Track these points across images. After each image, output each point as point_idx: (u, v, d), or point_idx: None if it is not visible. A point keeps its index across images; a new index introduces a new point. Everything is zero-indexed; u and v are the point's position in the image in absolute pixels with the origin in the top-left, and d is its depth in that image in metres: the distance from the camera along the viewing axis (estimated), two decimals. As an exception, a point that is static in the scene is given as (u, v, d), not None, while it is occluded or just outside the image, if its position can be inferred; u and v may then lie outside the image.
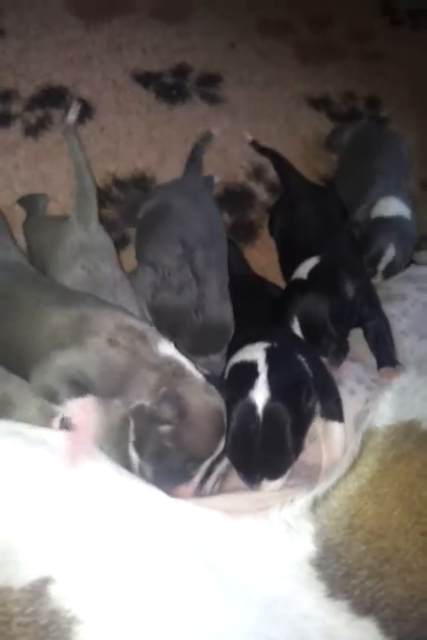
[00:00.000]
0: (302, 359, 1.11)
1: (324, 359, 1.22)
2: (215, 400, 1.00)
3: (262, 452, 1.00)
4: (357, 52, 2.37)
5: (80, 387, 0.98)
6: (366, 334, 1.29)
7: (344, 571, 0.84)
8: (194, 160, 1.77)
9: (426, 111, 2.15)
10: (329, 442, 1.12)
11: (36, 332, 1.05)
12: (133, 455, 1.01)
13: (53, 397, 0.99)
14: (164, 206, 1.45)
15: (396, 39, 2.48)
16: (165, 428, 0.97)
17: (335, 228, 1.51)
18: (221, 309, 1.28)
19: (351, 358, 1.26)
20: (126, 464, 1.00)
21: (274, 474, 1.02)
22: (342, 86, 2.21)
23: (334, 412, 1.13)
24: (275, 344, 1.11)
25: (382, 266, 1.43)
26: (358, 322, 1.30)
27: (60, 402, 0.98)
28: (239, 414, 1.02)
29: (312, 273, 1.32)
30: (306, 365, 1.10)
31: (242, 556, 0.86)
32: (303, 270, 1.34)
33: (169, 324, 1.23)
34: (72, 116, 1.67)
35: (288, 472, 1.03)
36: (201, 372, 1.06)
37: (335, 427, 1.12)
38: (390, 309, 1.31)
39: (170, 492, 0.95)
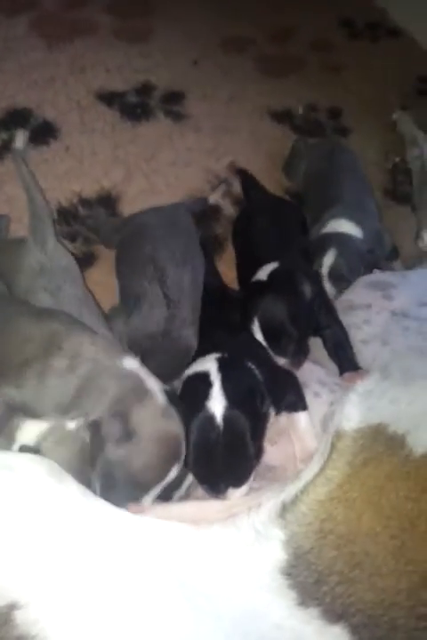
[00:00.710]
0: (252, 365, 1.12)
1: (285, 360, 1.23)
2: (171, 425, 0.99)
3: (225, 460, 1.00)
4: (317, 65, 2.41)
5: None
6: (324, 343, 1.29)
7: (315, 577, 0.83)
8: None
9: (387, 121, 2.18)
10: (298, 432, 1.13)
11: (6, 345, 1.05)
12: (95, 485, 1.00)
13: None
14: (137, 229, 1.45)
15: (355, 51, 2.53)
16: (113, 449, 0.96)
17: (293, 239, 1.53)
18: (188, 333, 1.27)
19: (313, 361, 1.27)
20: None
21: (238, 481, 1.02)
22: (304, 98, 2.23)
23: (296, 403, 1.15)
24: (225, 354, 1.12)
25: (324, 269, 1.46)
26: (315, 330, 1.30)
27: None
28: (199, 426, 1.02)
29: (271, 275, 1.34)
30: (256, 371, 1.11)
31: (211, 569, 0.85)
32: (263, 273, 1.35)
33: (138, 348, 1.22)
34: (19, 143, 1.70)
35: (252, 477, 1.04)
36: (166, 390, 1.06)
37: (300, 416, 1.14)
38: (352, 319, 1.32)
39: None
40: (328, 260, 1.47)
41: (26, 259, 1.30)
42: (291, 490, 0.93)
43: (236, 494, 1.02)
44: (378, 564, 0.85)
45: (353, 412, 1.01)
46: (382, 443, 0.97)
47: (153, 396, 1.00)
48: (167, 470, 0.99)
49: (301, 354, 1.25)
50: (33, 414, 1.01)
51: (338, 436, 0.99)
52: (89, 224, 1.68)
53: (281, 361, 1.24)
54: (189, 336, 1.28)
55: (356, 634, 0.80)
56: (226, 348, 1.15)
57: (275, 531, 0.88)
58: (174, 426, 1.00)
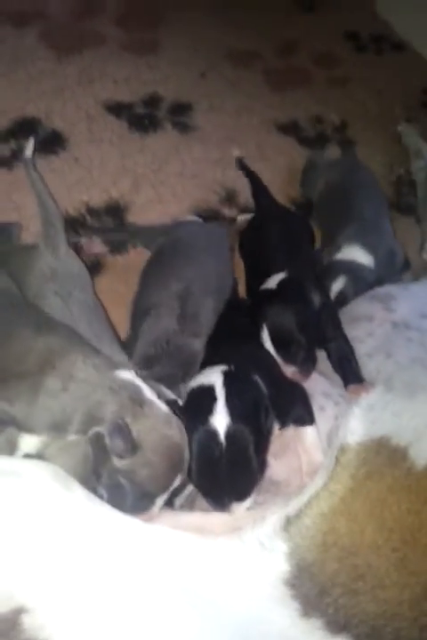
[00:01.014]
0: (258, 378, 1.12)
1: (294, 369, 1.23)
2: (173, 433, 0.99)
3: (228, 475, 1.01)
4: (323, 78, 2.43)
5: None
6: (329, 356, 1.30)
7: (318, 589, 0.84)
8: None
9: (391, 133, 2.20)
10: (305, 446, 1.14)
11: (6, 354, 1.06)
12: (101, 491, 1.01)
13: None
14: (175, 242, 1.48)
15: (361, 64, 2.54)
16: (118, 461, 0.96)
17: (301, 250, 1.54)
18: (193, 341, 1.28)
19: (318, 372, 1.28)
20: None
21: (242, 495, 1.02)
22: (311, 111, 2.25)
23: (303, 417, 1.15)
24: (232, 366, 1.12)
25: (332, 295, 1.46)
26: (320, 342, 1.31)
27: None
28: (202, 441, 1.02)
29: (281, 284, 1.35)
30: (261, 384, 1.11)
31: (216, 578, 0.86)
32: (272, 282, 1.36)
33: (143, 357, 1.24)
34: (28, 151, 1.70)
35: (255, 491, 1.04)
36: (166, 396, 1.07)
37: (307, 431, 1.14)
38: (354, 332, 1.32)
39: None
40: (337, 286, 1.47)
41: (37, 263, 1.32)
42: (295, 504, 0.94)
43: (239, 508, 1.02)
44: (381, 575, 0.86)
45: (356, 426, 1.01)
46: (384, 456, 0.97)
47: (152, 406, 1.00)
48: (172, 479, 0.99)
49: (309, 362, 1.25)
50: (25, 430, 1.02)
51: (342, 450, 1.00)
52: (105, 235, 1.70)
53: (290, 369, 1.24)
54: (194, 343, 1.29)
55: (359, 644, 0.81)
56: (232, 359, 1.15)
57: (278, 543, 0.89)
58: (176, 435, 1.00)
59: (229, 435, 1.01)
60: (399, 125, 2.21)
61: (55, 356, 1.03)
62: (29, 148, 1.71)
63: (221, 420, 1.02)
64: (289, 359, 1.25)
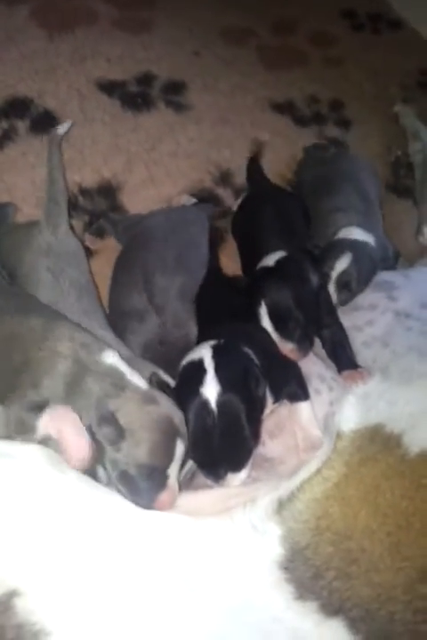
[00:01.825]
0: (249, 350, 1.12)
1: (292, 346, 1.23)
2: (157, 407, 1.00)
3: (222, 444, 1.02)
4: (319, 57, 2.40)
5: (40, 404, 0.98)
6: (323, 343, 1.29)
7: (312, 572, 0.84)
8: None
9: (389, 114, 2.18)
10: (301, 422, 1.15)
11: None
12: (101, 474, 1.01)
13: (25, 428, 0.98)
14: (137, 236, 1.47)
15: (357, 43, 2.52)
16: (113, 450, 0.97)
17: (296, 230, 1.53)
18: (183, 332, 1.28)
19: (316, 354, 1.28)
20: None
21: (237, 465, 1.03)
22: (306, 90, 2.23)
23: (297, 392, 1.15)
24: (220, 340, 1.13)
25: (334, 274, 1.41)
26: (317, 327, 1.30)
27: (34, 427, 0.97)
28: (195, 412, 1.03)
29: (279, 262, 1.34)
30: (253, 355, 1.11)
31: (210, 561, 0.86)
32: (270, 260, 1.35)
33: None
34: (61, 129, 1.72)
35: (250, 462, 1.05)
36: (151, 377, 1.07)
37: (302, 406, 1.15)
38: (354, 320, 1.32)
39: (152, 506, 0.95)
40: (341, 264, 1.41)
41: (35, 239, 1.32)
42: (287, 487, 0.94)
43: (235, 479, 1.03)
44: (375, 560, 0.86)
45: (351, 414, 1.02)
46: (378, 443, 0.98)
47: (131, 387, 1.00)
48: (172, 447, 0.99)
49: (307, 341, 1.24)
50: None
51: (337, 437, 1.01)
52: (99, 224, 1.68)
53: (288, 346, 1.23)
54: (186, 335, 1.29)
55: (353, 627, 0.81)
56: (223, 334, 1.16)
57: (272, 526, 0.89)
58: (160, 407, 1.00)
59: (220, 404, 1.02)
60: (396, 106, 2.19)
61: (39, 336, 1.03)
62: (63, 127, 1.73)
63: (211, 389, 1.03)
64: (287, 336, 1.23)
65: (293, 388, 1.16)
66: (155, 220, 1.52)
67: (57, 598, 0.79)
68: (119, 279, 1.41)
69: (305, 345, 1.24)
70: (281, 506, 0.91)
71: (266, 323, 1.25)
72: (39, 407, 0.97)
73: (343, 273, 1.41)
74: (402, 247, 1.67)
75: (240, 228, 1.66)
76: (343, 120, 2.16)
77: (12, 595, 0.78)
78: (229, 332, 1.18)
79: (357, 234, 1.50)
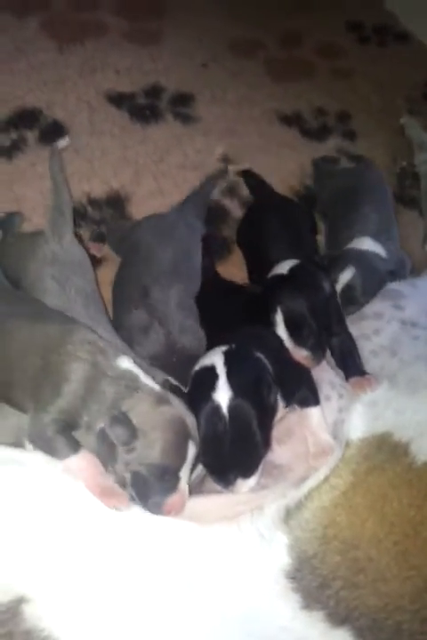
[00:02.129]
0: (261, 355, 1.12)
1: (306, 353, 1.23)
2: (170, 408, 1.00)
3: (232, 450, 1.01)
4: (326, 69, 2.42)
5: (71, 438, 0.98)
6: (332, 351, 1.29)
7: (319, 582, 0.85)
8: (200, 191, 1.79)
9: (395, 125, 2.18)
10: (311, 428, 1.14)
11: (7, 348, 1.06)
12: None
13: (51, 450, 0.97)
14: (131, 248, 1.47)
15: (364, 55, 2.53)
16: (126, 452, 0.96)
17: (303, 240, 1.53)
18: (189, 338, 1.29)
19: (327, 362, 1.28)
20: None
21: (247, 471, 1.03)
22: (313, 102, 2.24)
23: (308, 398, 1.15)
24: (233, 345, 1.13)
25: (339, 286, 1.41)
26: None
27: (59, 457, 0.97)
28: (206, 418, 1.03)
29: (293, 269, 1.34)
30: (265, 361, 1.11)
31: (217, 570, 0.86)
32: (283, 268, 1.35)
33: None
34: (62, 142, 1.78)
35: (261, 469, 1.04)
36: (164, 382, 1.08)
37: (312, 412, 1.14)
38: (362, 329, 1.32)
39: (162, 509, 0.95)
40: (345, 276, 1.42)
41: (40, 248, 1.33)
42: (294, 495, 0.94)
43: (244, 486, 1.03)
44: (382, 569, 0.86)
45: (359, 422, 1.02)
46: (386, 451, 0.98)
47: (145, 388, 1.00)
48: (183, 448, 0.98)
49: (321, 348, 1.25)
50: None
51: (345, 445, 1.01)
52: (100, 231, 1.70)
53: (303, 353, 1.23)
54: (194, 339, 1.29)
55: (360, 637, 0.82)
56: (235, 339, 1.15)
57: (279, 535, 0.90)
58: (173, 407, 1.00)
59: (231, 409, 1.02)
60: (402, 118, 2.19)
61: (56, 342, 1.03)
62: (63, 142, 1.80)
63: (223, 395, 1.03)
64: (302, 343, 1.23)
65: (304, 393, 1.16)
66: (143, 232, 1.51)
67: (65, 605, 0.79)
68: (118, 297, 1.42)
69: (319, 353, 1.24)
70: (288, 514, 0.91)
71: (281, 330, 1.25)
72: (69, 429, 0.98)
73: (347, 285, 1.41)
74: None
75: (245, 237, 1.67)
76: (350, 132, 2.17)
77: (20, 601, 0.78)
78: (241, 337, 1.18)
79: (366, 244, 1.50)
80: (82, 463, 0.96)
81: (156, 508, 0.95)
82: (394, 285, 1.43)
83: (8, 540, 0.83)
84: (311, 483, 0.96)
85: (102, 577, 0.83)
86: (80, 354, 1.02)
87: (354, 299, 1.40)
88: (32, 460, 0.94)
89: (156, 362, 1.24)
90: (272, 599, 0.84)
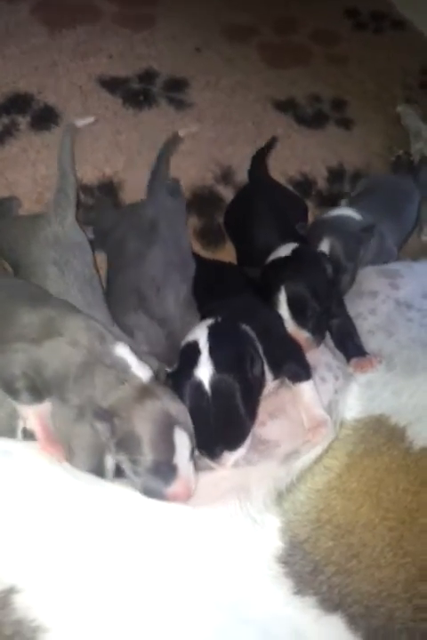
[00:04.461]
0: (247, 327, 1.12)
1: (307, 335, 1.23)
2: (152, 402, 0.98)
3: (217, 425, 1.02)
4: (322, 55, 2.39)
5: (37, 392, 0.99)
6: (331, 333, 1.29)
7: (312, 567, 0.84)
8: (159, 166, 1.76)
9: (391, 113, 2.17)
10: (304, 403, 1.13)
11: (4, 329, 1.05)
12: (109, 463, 1.01)
13: (12, 393, 0.99)
14: (118, 251, 1.44)
15: (360, 42, 2.51)
16: (115, 446, 0.97)
17: (292, 227, 1.51)
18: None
19: (324, 343, 1.27)
20: (100, 470, 1.00)
21: (234, 444, 1.04)
22: (308, 89, 2.22)
23: (299, 372, 1.14)
24: (218, 318, 1.13)
25: None
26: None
27: (19, 403, 0.99)
28: (189, 394, 1.04)
29: (295, 251, 1.34)
30: (251, 333, 1.11)
31: (208, 554, 0.85)
32: (285, 250, 1.35)
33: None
34: (80, 122, 1.77)
35: (248, 441, 1.05)
36: (159, 368, 1.08)
37: (304, 386, 1.13)
38: (358, 308, 1.31)
39: (165, 499, 0.94)
40: (324, 247, 1.40)
41: (42, 231, 1.32)
42: (285, 477, 0.93)
43: (231, 458, 1.04)
44: (376, 555, 0.85)
45: (354, 403, 1.01)
46: (382, 434, 0.98)
47: (132, 381, 1.00)
48: (170, 440, 0.97)
49: (321, 330, 1.25)
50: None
51: (339, 425, 1.01)
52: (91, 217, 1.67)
53: (304, 334, 1.23)
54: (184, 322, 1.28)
55: (353, 623, 0.81)
56: (221, 311, 1.15)
57: (271, 518, 0.89)
58: (156, 401, 0.99)
59: (213, 385, 1.02)
60: (399, 106, 2.18)
61: (58, 323, 1.04)
62: (83, 121, 1.80)
63: (204, 371, 1.03)
64: (304, 324, 1.23)
65: (294, 367, 1.15)
66: (126, 236, 1.46)
67: (55, 594, 0.79)
68: (112, 301, 1.37)
69: (320, 334, 1.24)
70: (280, 496, 0.91)
71: (283, 310, 1.25)
72: (32, 390, 0.99)
73: (330, 255, 1.39)
74: (405, 246, 1.67)
75: (232, 219, 1.66)
76: (345, 119, 2.15)
77: (10, 591, 0.78)
78: (229, 308, 1.18)
79: (337, 210, 1.51)
80: (36, 414, 0.98)
81: (158, 497, 0.94)
82: (392, 264, 1.43)
83: (-3, 531, 0.82)
84: (302, 463, 0.95)
85: (93, 566, 0.82)
86: (78, 338, 1.02)
87: (340, 266, 1.38)
88: (18, 448, 0.93)
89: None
90: (264, 584, 0.83)
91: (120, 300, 1.35)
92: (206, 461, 1.05)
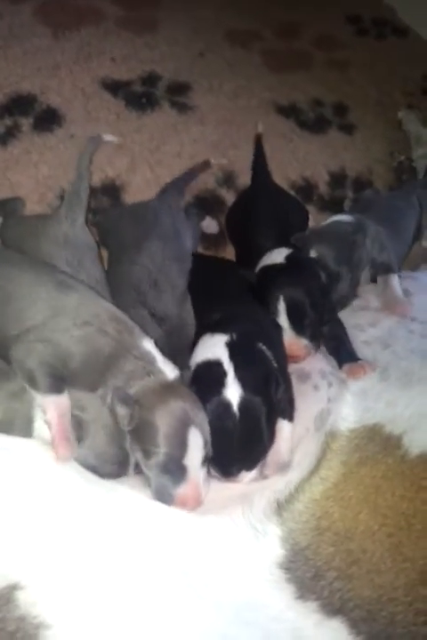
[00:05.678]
0: (264, 347, 1.11)
1: (305, 343, 1.23)
2: (174, 397, 0.99)
3: (241, 446, 1.02)
4: (324, 61, 2.40)
5: (58, 381, 0.99)
6: (323, 339, 1.28)
7: (313, 572, 0.85)
8: (179, 180, 1.77)
9: (392, 119, 2.19)
10: (277, 439, 1.10)
11: (29, 314, 1.06)
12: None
13: (32, 383, 0.99)
14: (118, 250, 1.44)
15: (362, 48, 2.52)
16: (130, 434, 0.98)
17: (291, 232, 1.50)
18: (187, 330, 1.28)
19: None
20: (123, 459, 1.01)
21: (251, 465, 1.04)
22: (310, 94, 2.23)
23: (286, 409, 1.12)
24: (234, 335, 1.11)
25: None
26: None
27: (39, 393, 0.99)
28: (215, 413, 1.03)
29: (289, 258, 1.34)
30: (268, 353, 1.11)
31: (211, 560, 0.86)
32: (277, 256, 1.35)
33: None
34: (108, 137, 1.81)
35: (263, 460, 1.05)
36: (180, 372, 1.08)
37: (284, 425, 1.11)
38: (357, 320, 1.31)
39: (173, 501, 0.95)
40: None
41: (53, 230, 1.33)
42: (282, 488, 0.95)
43: (247, 477, 1.03)
44: (375, 561, 0.86)
45: (349, 413, 1.02)
46: (378, 443, 0.99)
47: (158, 375, 1.01)
48: (184, 437, 0.97)
49: (317, 338, 1.25)
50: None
51: (332, 436, 1.02)
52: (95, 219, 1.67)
53: (302, 342, 1.23)
54: (190, 330, 1.29)
55: (354, 628, 0.82)
56: (232, 326, 1.14)
57: (272, 527, 0.90)
58: (178, 398, 1.00)
59: (242, 407, 1.02)
60: (400, 111, 2.19)
61: (84, 310, 1.05)
62: (111, 138, 1.83)
63: (233, 392, 1.03)
64: (302, 333, 1.23)
65: (284, 402, 1.12)
66: (127, 228, 1.46)
67: (58, 591, 0.79)
68: (112, 298, 1.37)
69: (316, 342, 1.25)
70: (280, 507, 0.92)
71: (282, 320, 1.25)
72: (53, 379, 0.99)
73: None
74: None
75: (233, 222, 1.67)
76: (347, 124, 2.16)
77: (13, 588, 0.78)
78: (238, 322, 1.16)
79: (331, 217, 1.50)
80: (56, 405, 0.98)
81: (167, 499, 0.95)
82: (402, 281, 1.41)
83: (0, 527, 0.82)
84: (299, 475, 0.96)
85: (96, 564, 0.82)
86: (109, 330, 1.03)
87: (331, 272, 1.36)
88: (17, 445, 0.93)
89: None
90: (267, 589, 0.84)
91: (120, 296, 1.35)
92: (217, 477, 1.05)
